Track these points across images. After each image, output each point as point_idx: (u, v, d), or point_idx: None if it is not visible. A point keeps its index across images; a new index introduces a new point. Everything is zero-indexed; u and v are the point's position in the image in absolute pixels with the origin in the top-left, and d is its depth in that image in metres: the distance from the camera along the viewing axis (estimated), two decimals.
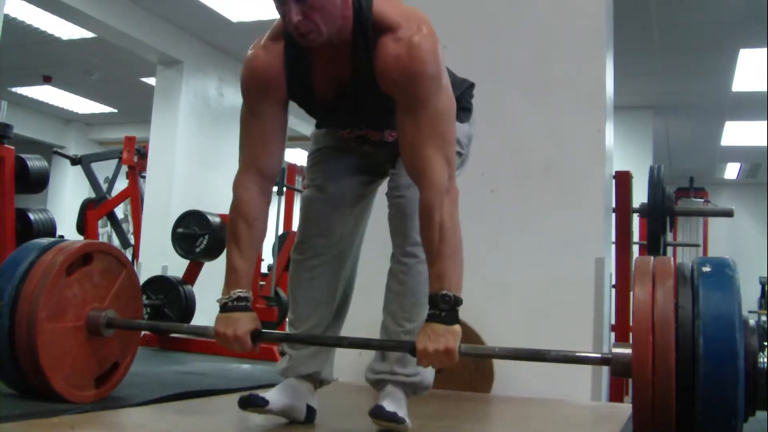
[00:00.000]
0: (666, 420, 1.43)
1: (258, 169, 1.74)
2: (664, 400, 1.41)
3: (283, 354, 1.89)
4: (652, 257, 1.61)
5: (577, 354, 1.74)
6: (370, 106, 1.69)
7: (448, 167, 1.62)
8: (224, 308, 1.72)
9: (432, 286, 1.60)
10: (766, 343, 1.48)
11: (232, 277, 1.72)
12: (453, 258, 1.59)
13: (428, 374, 1.82)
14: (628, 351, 1.49)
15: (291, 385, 1.81)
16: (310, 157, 1.96)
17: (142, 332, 5.74)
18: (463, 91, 1.90)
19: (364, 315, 2.01)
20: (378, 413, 1.66)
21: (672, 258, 1.60)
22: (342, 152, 1.92)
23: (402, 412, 1.70)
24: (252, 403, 1.69)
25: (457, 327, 1.58)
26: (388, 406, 1.69)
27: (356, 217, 1.95)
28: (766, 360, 1.48)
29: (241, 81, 1.74)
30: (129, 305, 2.15)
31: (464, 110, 1.90)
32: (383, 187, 1.93)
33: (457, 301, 1.58)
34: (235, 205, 1.74)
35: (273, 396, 1.74)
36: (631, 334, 1.51)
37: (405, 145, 1.65)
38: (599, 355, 1.72)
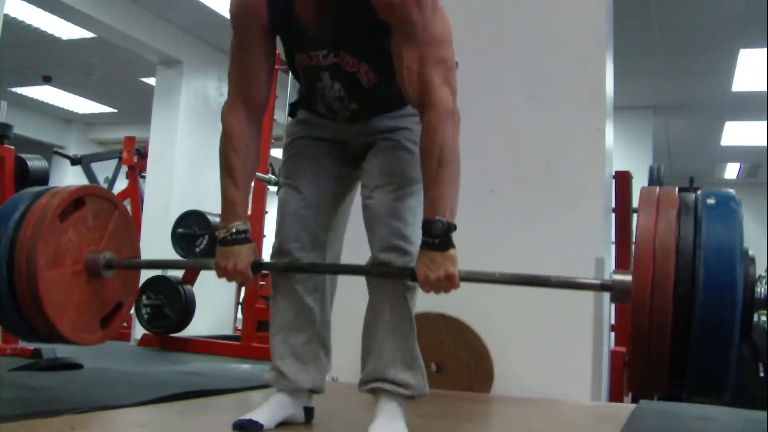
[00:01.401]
0: (661, 346, 1.45)
1: (246, 99, 1.75)
2: (661, 326, 1.44)
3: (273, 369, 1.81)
4: (657, 187, 1.61)
5: (578, 280, 1.74)
6: (354, 25, 1.66)
7: (452, 92, 1.60)
8: (223, 242, 1.73)
9: (426, 212, 1.59)
10: (764, 273, 1.50)
11: (229, 210, 1.73)
12: (450, 183, 1.58)
13: (422, 384, 1.73)
14: (629, 278, 1.51)
15: (282, 401, 1.77)
16: (285, 151, 1.90)
17: (142, 333, 5.74)
18: None
19: (360, 311, 1.97)
20: None
21: (676, 189, 1.61)
22: (317, 142, 1.85)
23: (397, 428, 1.66)
24: (248, 429, 1.64)
25: (452, 252, 1.57)
26: (383, 428, 1.64)
27: (336, 220, 1.88)
28: (763, 289, 1.49)
29: (229, 12, 1.74)
30: (125, 245, 2.15)
31: None
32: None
33: (450, 227, 1.56)
34: (225, 135, 1.74)
35: (266, 414, 1.71)
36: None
37: (405, 72, 1.61)
38: (599, 282, 1.72)
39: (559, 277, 1.67)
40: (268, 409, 1.73)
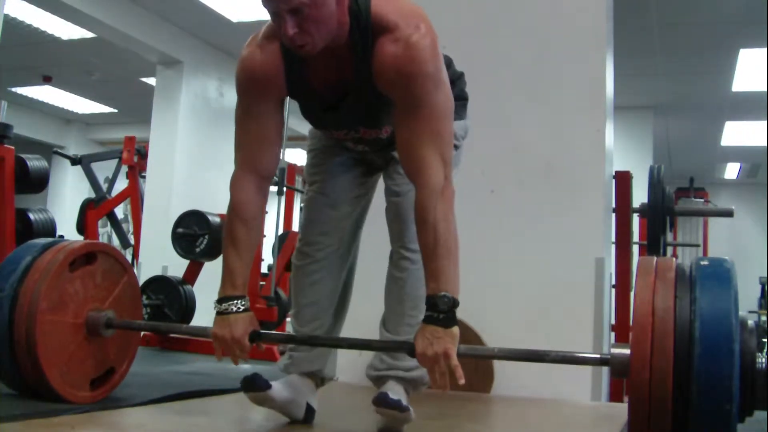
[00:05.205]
0: (662, 420, 1.43)
1: (256, 169, 1.73)
2: (661, 403, 1.42)
3: (283, 352, 1.91)
4: (654, 258, 1.60)
5: (576, 354, 1.75)
6: (370, 106, 1.68)
7: (444, 167, 1.60)
8: (221, 311, 1.73)
9: (429, 286, 1.58)
10: (765, 339, 1.48)
11: (228, 279, 1.73)
12: (448, 258, 1.57)
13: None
14: (627, 351, 1.49)
15: (293, 381, 1.82)
16: (309, 156, 1.97)
17: (141, 337, 5.73)
18: (459, 81, 1.90)
19: (364, 314, 2.01)
20: (382, 399, 1.63)
21: (674, 260, 1.60)
22: (338, 150, 1.91)
23: (405, 402, 1.70)
24: (255, 385, 1.67)
25: (455, 329, 1.56)
26: (392, 394, 1.67)
27: (355, 218, 1.95)
28: (764, 360, 1.48)
29: (237, 80, 1.71)
30: (128, 311, 2.14)
31: (462, 103, 1.91)
32: (382, 186, 1.94)
33: (455, 303, 1.56)
34: (233, 206, 1.73)
35: (276, 386, 1.73)
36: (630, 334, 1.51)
37: (402, 144, 1.64)
38: (598, 356, 1.72)
39: (557, 352, 1.68)
40: (277, 382, 1.77)
